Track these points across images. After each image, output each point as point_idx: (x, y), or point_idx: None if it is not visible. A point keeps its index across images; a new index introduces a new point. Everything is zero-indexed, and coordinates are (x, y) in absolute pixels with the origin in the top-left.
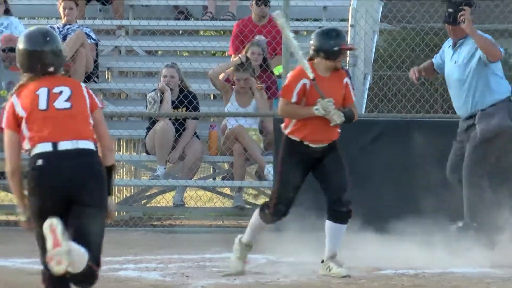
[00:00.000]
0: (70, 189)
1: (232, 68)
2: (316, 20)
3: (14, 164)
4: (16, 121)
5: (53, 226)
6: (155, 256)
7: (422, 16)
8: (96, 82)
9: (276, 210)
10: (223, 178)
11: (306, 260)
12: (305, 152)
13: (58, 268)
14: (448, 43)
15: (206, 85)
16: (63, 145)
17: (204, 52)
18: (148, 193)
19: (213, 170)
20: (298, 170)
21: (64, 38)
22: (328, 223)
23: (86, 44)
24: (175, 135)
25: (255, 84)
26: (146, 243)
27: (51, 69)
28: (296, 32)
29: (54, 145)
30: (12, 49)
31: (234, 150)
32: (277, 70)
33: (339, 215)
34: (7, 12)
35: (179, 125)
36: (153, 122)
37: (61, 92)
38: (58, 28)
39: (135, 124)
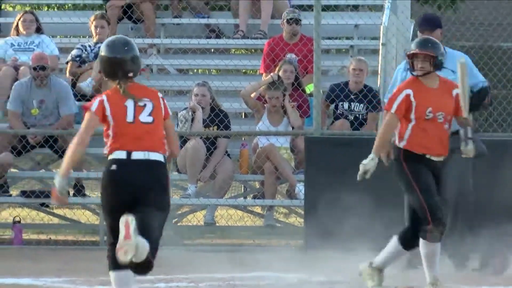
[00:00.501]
0: (137, 193)
1: (263, 86)
2: (347, 38)
3: (82, 143)
4: (103, 116)
5: (128, 221)
6: (186, 275)
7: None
8: None
9: (436, 219)
10: (254, 197)
11: (337, 279)
12: (425, 165)
13: (124, 257)
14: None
15: (237, 103)
16: (136, 155)
17: (235, 71)
18: (179, 212)
19: (244, 188)
20: (429, 175)
21: (96, 56)
22: (426, 244)
23: None
24: (206, 154)
25: (287, 102)
26: (177, 262)
27: (131, 74)
28: (327, 51)
29: (129, 154)
30: (44, 68)
31: (265, 169)
32: (309, 88)
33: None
34: (38, 30)
35: (210, 144)
36: (184, 140)
37: (145, 105)
38: (90, 46)
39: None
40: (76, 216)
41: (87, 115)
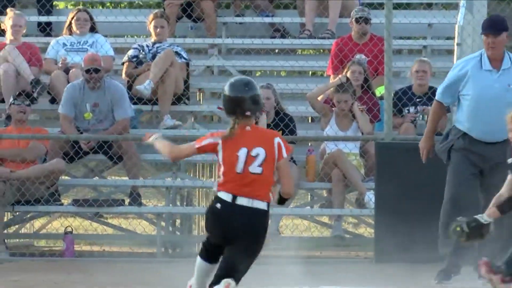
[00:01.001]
0: (233, 235)
1: (331, 89)
2: (420, 38)
3: (174, 158)
4: (206, 151)
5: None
6: None
7: None
8: (186, 104)
9: None
10: (321, 206)
11: None
12: None
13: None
14: (475, 66)
15: (303, 107)
16: (240, 200)
17: (301, 72)
18: None
19: (310, 197)
20: None
21: (153, 57)
22: None
23: (176, 63)
24: None
25: (356, 106)
26: None
27: (248, 113)
28: (399, 52)
29: (234, 197)
30: (97, 70)
31: (333, 176)
32: (379, 91)
33: None
34: (92, 29)
35: None
36: None
37: (257, 155)
38: (147, 46)
39: None
40: (131, 226)
41: (191, 145)
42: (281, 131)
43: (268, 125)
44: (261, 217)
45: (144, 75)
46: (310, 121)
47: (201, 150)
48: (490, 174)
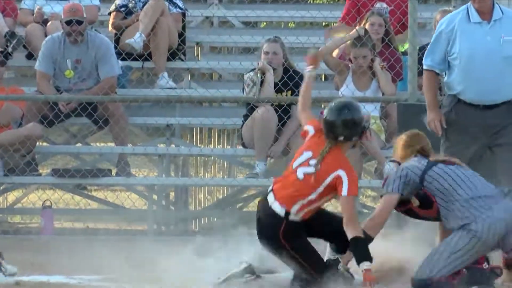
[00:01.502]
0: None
1: (348, 43)
2: None
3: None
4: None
5: None
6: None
7: None
8: (182, 60)
9: None
10: None
11: None
12: None
13: None
14: (462, 20)
15: None
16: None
17: (313, 24)
18: (245, 195)
19: None
20: None
21: (144, 5)
22: None
23: (167, 13)
24: (278, 125)
25: (377, 62)
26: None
27: (341, 138)
28: (425, 1)
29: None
30: (79, 22)
31: None
32: (403, 46)
33: None
34: None
35: (283, 113)
36: (251, 108)
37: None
38: None
39: (230, 111)
40: (119, 200)
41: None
42: (290, 91)
43: (276, 84)
44: (273, 219)
45: (134, 27)
46: (323, 79)
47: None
48: (498, 149)
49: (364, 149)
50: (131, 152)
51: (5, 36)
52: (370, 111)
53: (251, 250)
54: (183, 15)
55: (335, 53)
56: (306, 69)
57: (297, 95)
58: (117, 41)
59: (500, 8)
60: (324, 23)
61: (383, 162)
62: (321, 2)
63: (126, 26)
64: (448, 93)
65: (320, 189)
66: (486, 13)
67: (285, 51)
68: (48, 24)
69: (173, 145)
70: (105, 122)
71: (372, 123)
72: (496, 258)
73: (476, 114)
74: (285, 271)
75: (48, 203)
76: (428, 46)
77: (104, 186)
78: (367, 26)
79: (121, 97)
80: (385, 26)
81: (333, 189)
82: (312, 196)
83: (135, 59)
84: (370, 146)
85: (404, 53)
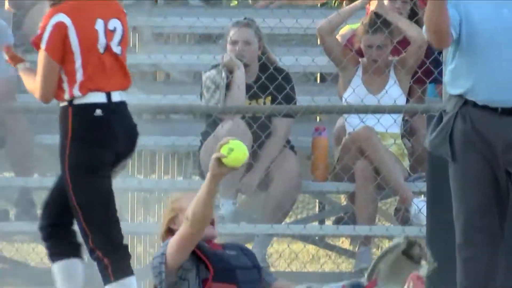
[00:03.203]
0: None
1: (358, 28)
2: None
3: (49, 95)
4: (63, 51)
5: None
6: None
7: None
8: None
9: None
10: (338, 221)
11: None
12: None
13: None
14: None
15: (307, 57)
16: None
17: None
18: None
19: (319, 206)
20: None
21: None
22: None
23: None
24: (253, 146)
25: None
26: None
27: None
28: None
29: (108, 95)
30: None
31: (357, 172)
32: None
33: None
34: None
35: (260, 128)
36: (213, 122)
37: (115, 29)
38: None
39: (182, 126)
40: (20, 255)
41: (42, 58)
42: (269, 97)
43: (249, 87)
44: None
45: (42, 7)
46: (318, 80)
47: (55, 51)
48: None
49: (380, 180)
50: (38, 185)
51: None
52: (387, 127)
53: None
54: None
55: (339, 35)
56: None
57: (280, 102)
58: (17, 24)
59: None
60: (319, 2)
61: (408, 200)
62: None
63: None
64: (451, 92)
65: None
66: None
67: (262, 40)
68: None
69: None
70: (0, 143)
71: (391, 144)
72: None
73: (491, 122)
74: None
75: None
76: None
77: None
78: (386, 2)
79: (24, 106)
80: (411, 3)
81: None
82: None
83: None
84: (390, 176)
85: None
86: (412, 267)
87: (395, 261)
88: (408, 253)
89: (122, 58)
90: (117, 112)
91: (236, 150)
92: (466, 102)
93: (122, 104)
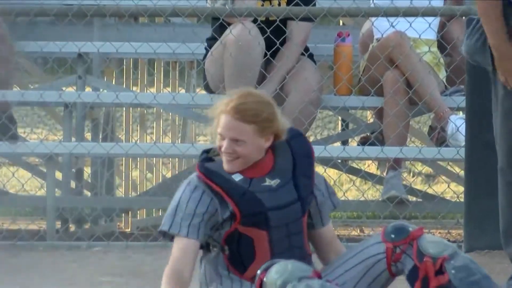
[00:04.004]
0: None
1: None
2: None
3: None
4: None
5: None
6: None
7: None
8: None
9: None
10: (363, 142)
11: None
12: None
13: None
14: None
15: None
16: None
17: None
18: None
19: (342, 125)
20: None
21: None
22: None
23: None
24: (266, 54)
25: None
26: None
27: None
28: None
29: None
30: None
31: (386, 85)
32: None
33: None
34: None
35: (274, 34)
36: (220, 26)
37: None
38: None
39: (184, 32)
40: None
41: None
42: (285, 1)
43: None
44: None
45: None
46: None
47: None
48: None
49: (412, 94)
50: (18, 100)
51: None
52: (421, 32)
53: None
54: None
55: None
56: None
57: (297, 4)
58: None
59: None
60: None
61: (444, 117)
62: None
63: None
64: None
65: None
66: None
67: None
68: None
69: (89, 89)
70: None
71: (425, 51)
72: None
73: None
74: None
75: None
76: None
77: None
78: None
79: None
80: None
81: None
82: None
83: None
84: (422, 88)
85: None
86: None
87: None
88: None
89: None
90: None
91: None
92: (510, 3)
93: None
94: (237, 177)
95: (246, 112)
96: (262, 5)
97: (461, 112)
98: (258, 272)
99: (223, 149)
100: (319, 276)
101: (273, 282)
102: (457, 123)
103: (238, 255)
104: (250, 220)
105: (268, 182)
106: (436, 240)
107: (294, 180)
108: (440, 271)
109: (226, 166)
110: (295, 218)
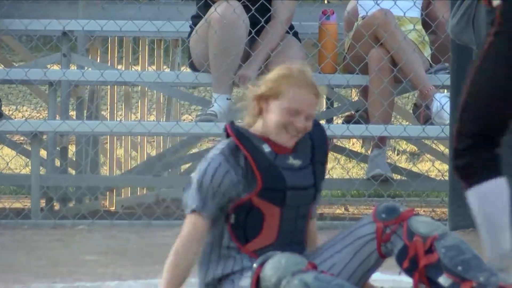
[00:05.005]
0: None
1: None
2: None
3: None
4: None
5: None
6: None
7: None
8: None
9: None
10: (348, 120)
11: None
12: None
13: None
14: None
15: None
16: None
17: None
18: (193, 151)
19: (327, 103)
20: None
21: None
22: None
23: None
24: (251, 32)
25: None
26: None
27: None
28: None
29: None
30: None
31: (371, 63)
32: None
33: None
34: None
35: (259, 12)
36: (204, 4)
37: None
38: None
39: (169, 9)
40: None
41: None
42: None
43: None
44: None
45: None
46: None
47: None
48: None
49: (397, 72)
50: (3, 78)
51: None
52: (405, 10)
53: None
54: None
55: None
56: None
57: None
58: None
59: None
60: None
61: (429, 95)
62: None
63: None
64: None
65: None
66: None
67: None
68: None
69: (73, 67)
70: None
71: (409, 29)
72: None
73: None
74: None
75: None
76: None
77: None
78: None
79: None
80: None
81: None
82: None
83: None
84: (406, 66)
85: None
86: None
87: None
88: None
89: None
90: None
91: None
92: None
93: None
94: (266, 148)
95: (319, 87)
96: None
97: (445, 90)
98: (255, 265)
99: (298, 125)
100: (314, 267)
101: (268, 279)
102: (441, 101)
103: (244, 226)
104: (268, 194)
105: (291, 161)
106: (426, 220)
107: (313, 165)
108: (430, 250)
109: (285, 140)
110: (307, 202)
